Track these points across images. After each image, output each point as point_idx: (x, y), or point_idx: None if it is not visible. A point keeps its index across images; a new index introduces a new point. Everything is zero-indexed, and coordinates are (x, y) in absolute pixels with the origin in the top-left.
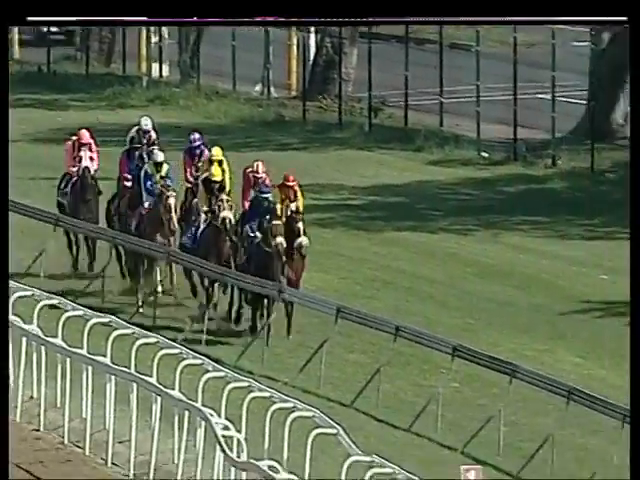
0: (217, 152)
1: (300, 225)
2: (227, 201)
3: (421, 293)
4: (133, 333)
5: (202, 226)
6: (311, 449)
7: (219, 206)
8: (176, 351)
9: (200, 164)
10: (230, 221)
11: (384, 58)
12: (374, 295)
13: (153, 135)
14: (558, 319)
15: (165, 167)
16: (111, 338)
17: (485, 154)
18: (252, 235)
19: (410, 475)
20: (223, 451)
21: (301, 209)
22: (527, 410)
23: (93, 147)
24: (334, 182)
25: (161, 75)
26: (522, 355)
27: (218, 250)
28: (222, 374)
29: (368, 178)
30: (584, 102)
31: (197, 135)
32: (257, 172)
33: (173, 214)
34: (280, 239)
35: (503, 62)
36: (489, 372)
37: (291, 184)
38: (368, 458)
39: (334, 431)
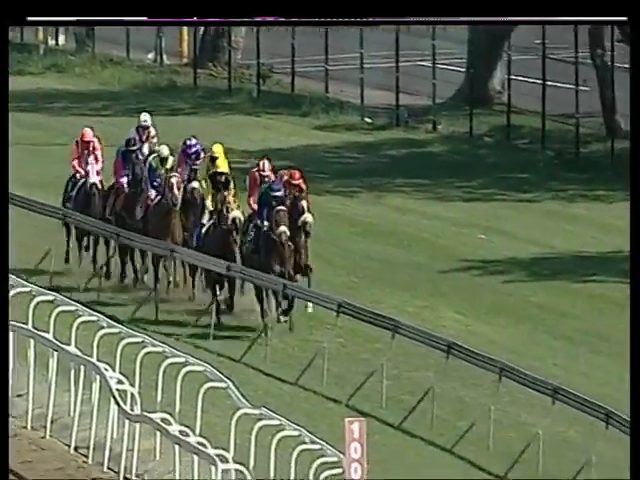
0: (217, 149)
1: (304, 203)
2: (234, 202)
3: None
4: (30, 291)
5: (207, 224)
6: (202, 402)
7: (227, 207)
8: (72, 308)
9: (198, 164)
10: (240, 221)
11: (272, 27)
12: None
13: (152, 131)
14: (438, 277)
15: (170, 160)
16: (9, 297)
17: (368, 119)
18: (260, 225)
19: (296, 426)
20: (117, 404)
21: (304, 194)
22: (409, 364)
23: (97, 145)
24: (224, 146)
25: (57, 43)
26: (404, 311)
27: (227, 251)
28: (117, 330)
29: (256, 142)
30: (463, 70)
31: (194, 140)
32: (263, 170)
33: (175, 191)
34: (283, 228)
35: (386, 31)
36: (372, 328)
37: (297, 182)
38: (256, 411)
39: (224, 385)
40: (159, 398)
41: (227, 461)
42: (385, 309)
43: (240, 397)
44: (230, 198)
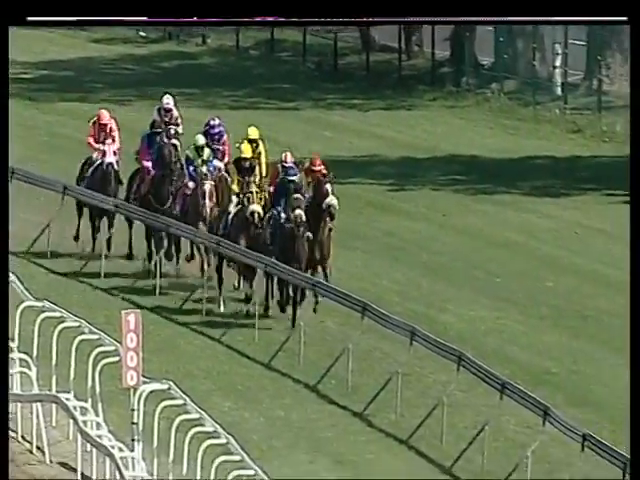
0: (252, 132)
1: (328, 186)
2: (257, 193)
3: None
4: None
5: (233, 210)
6: None
7: (248, 198)
8: None
9: (220, 146)
10: (259, 215)
11: None
12: (44, 160)
13: (175, 113)
14: None
15: (207, 152)
16: None
17: (143, 33)
18: (277, 216)
19: (77, 318)
20: None
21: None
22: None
23: (114, 127)
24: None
25: None
26: None
27: (246, 241)
28: None
29: (37, 54)
30: None
31: (217, 121)
32: (285, 162)
33: (207, 200)
34: (299, 211)
35: None
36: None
37: (318, 169)
38: (39, 303)
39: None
40: None
41: (12, 351)
42: None
43: (24, 290)
44: (254, 187)
